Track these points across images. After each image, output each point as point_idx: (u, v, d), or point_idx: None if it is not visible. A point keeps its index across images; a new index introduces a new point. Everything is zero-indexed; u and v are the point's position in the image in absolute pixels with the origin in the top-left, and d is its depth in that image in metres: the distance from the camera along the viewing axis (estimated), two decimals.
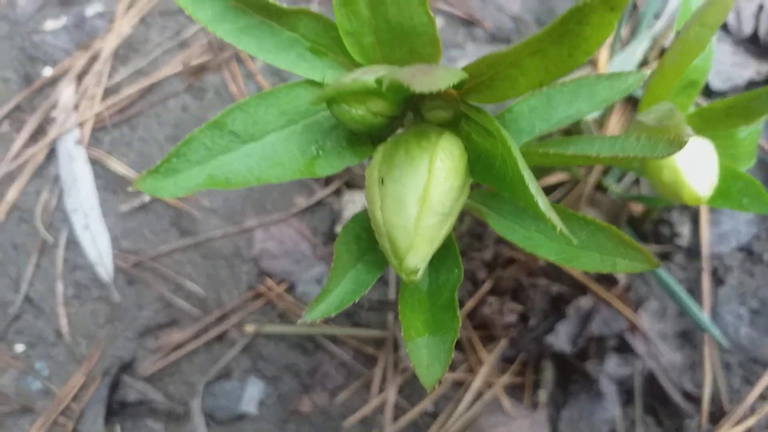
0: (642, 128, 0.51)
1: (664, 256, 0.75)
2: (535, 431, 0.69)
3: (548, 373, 0.71)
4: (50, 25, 0.87)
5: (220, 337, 0.75)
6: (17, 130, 0.83)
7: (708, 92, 0.79)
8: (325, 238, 0.78)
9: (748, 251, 0.74)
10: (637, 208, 0.75)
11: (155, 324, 0.76)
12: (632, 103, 0.80)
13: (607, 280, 0.72)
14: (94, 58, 0.84)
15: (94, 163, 0.81)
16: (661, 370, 0.70)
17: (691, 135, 0.44)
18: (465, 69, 0.34)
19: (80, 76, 0.84)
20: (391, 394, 0.71)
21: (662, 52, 0.80)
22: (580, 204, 0.75)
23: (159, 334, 0.76)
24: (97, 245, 0.78)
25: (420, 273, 0.36)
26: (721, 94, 0.80)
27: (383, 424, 0.70)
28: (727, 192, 0.53)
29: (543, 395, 0.71)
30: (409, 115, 0.41)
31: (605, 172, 0.75)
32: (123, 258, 0.78)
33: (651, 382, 0.70)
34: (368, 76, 0.35)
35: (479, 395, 0.71)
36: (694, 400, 0.70)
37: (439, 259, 0.40)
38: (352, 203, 0.78)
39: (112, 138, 0.82)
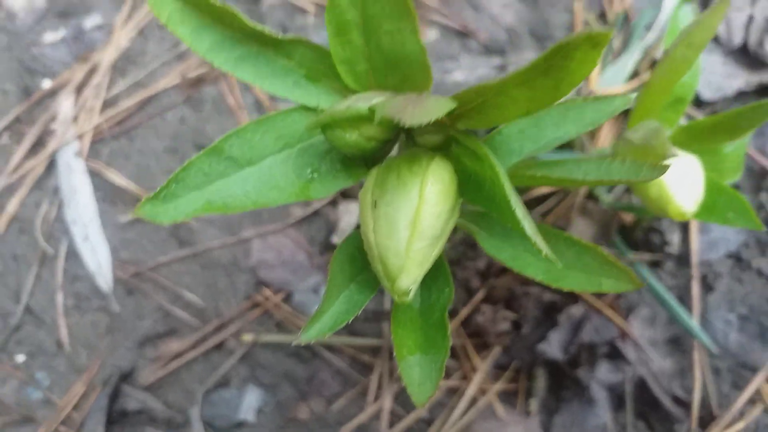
0: (629, 145, 0.52)
1: (655, 264, 0.76)
2: None
3: (541, 380, 0.73)
4: (49, 37, 0.88)
5: (219, 347, 0.76)
6: (17, 142, 0.84)
7: (698, 102, 0.80)
8: (322, 248, 0.79)
9: (737, 258, 0.76)
10: (628, 216, 0.76)
11: (154, 334, 0.77)
12: (625, 112, 0.81)
13: None
14: (92, 71, 0.85)
15: (93, 174, 0.82)
16: (652, 376, 0.72)
17: (676, 155, 0.45)
18: (455, 97, 0.35)
19: (79, 89, 0.85)
20: (387, 402, 0.73)
21: (653, 63, 0.81)
22: (572, 213, 0.76)
23: (158, 343, 0.77)
24: (97, 256, 0.79)
25: (411, 294, 0.37)
26: (711, 104, 0.81)
27: (379, 430, 0.72)
28: (712, 206, 0.54)
29: (535, 402, 0.72)
30: (402, 138, 0.42)
31: None
32: (122, 268, 0.79)
33: (641, 388, 0.72)
34: (361, 103, 0.37)
35: (473, 402, 0.73)
36: (684, 405, 0.71)
37: (431, 278, 0.41)
38: (348, 213, 0.79)
39: (110, 150, 0.83)
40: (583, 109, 0.42)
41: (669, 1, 0.82)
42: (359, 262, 0.41)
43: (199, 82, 0.84)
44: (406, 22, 0.36)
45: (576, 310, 0.72)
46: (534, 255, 0.40)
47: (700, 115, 0.80)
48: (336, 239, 0.77)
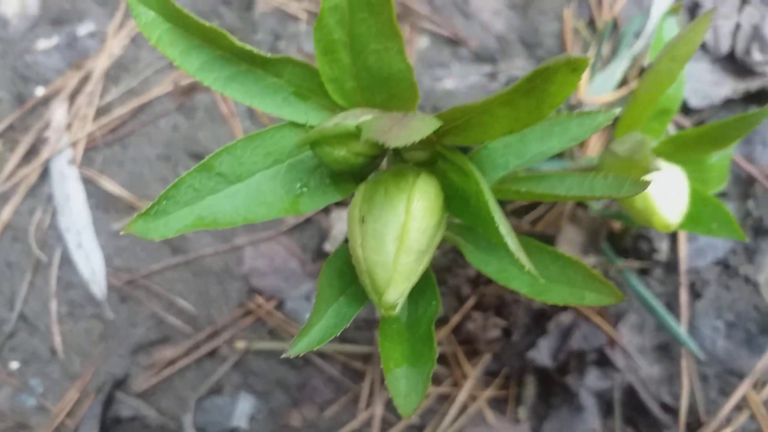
0: (614, 157, 0.53)
1: (643, 271, 0.77)
2: None
3: (530, 387, 0.74)
4: (42, 44, 0.88)
5: (212, 354, 0.77)
6: (10, 150, 0.84)
7: (686, 110, 0.81)
8: (314, 255, 0.80)
9: (724, 265, 0.77)
10: (617, 224, 0.77)
11: (148, 341, 0.78)
12: (614, 120, 0.82)
13: None
14: (86, 78, 0.86)
15: (87, 182, 0.82)
16: (640, 383, 0.73)
17: (659, 168, 0.46)
18: (440, 116, 0.36)
19: (72, 96, 0.85)
20: (379, 408, 0.73)
21: (642, 71, 0.82)
22: (562, 221, 0.77)
23: (151, 350, 0.78)
24: (91, 263, 0.80)
25: (398, 308, 0.38)
26: (699, 111, 0.82)
27: None
28: (697, 217, 0.55)
29: (525, 408, 0.73)
30: (390, 153, 0.43)
31: None
32: (116, 276, 0.79)
33: (630, 394, 0.73)
34: (349, 120, 0.37)
35: (464, 408, 0.73)
36: (672, 411, 0.72)
37: (418, 291, 0.42)
38: (341, 221, 0.79)
39: (104, 157, 0.83)
40: (568, 124, 0.43)
41: (657, 10, 0.83)
42: (348, 275, 0.42)
43: (191, 89, 0.84)
44: (392, 42, 0.36)
45: (565, 318, 0.73)
46: (519, 268, 0.41)
47: (687, 123, 0.81)
48: (328, 247, 0.78)
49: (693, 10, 0.87)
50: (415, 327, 0.41)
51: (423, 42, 0.86)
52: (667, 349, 0.75)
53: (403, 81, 0.39)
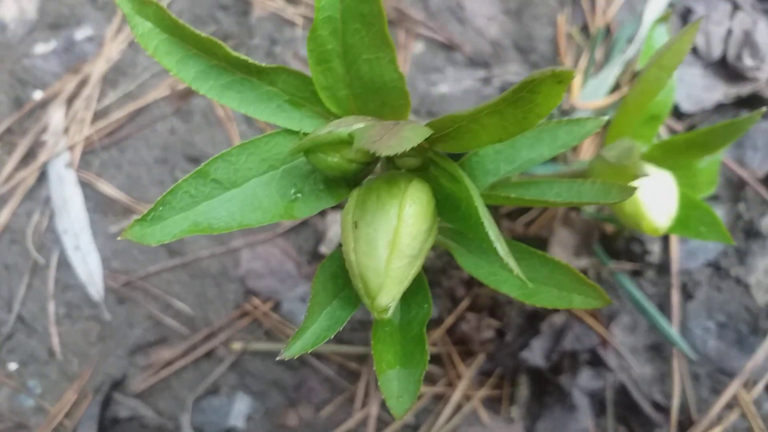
0: (604, 163, 0.54)
1: (636, 273, 0.78)
2: None
3: (524, 387, 0.75)
4: (40, 48, 0.89)
5: (209, 355, 0.78)
6: (8, 153, 0.85)
7: (678, 114, 0.82)
8: (310, 257, 0.80)
9: (715, 267, 0.78)
10: (610, 227, 0.78)
11: (145, 342, 0.79)
12: (606, 124, 0.83)
13: None
14: (83, 82, 0.86)
15: (84, 185, 0.83)
16: (632, 383, 0.74)
17: (648, 174, 0.47)
18: (430, 124, 0.37)
19: (70, 100, 0.86)
20: (374, 408, 0.74)
21: (634, 76, 0.83)
22: (555, 223, 0.78)
23: (149, 351, 0.78)
24: (88, 265, 0.80)
25: (391, 311, 0.39)
26: (691, 116, 0.83)
27: None
28: (686, 221, 0.56)
29: (519, 408, 0.74)
30: (383, 159, 0.44)
31: None
32: (113, 278, 0.80)
33: (622, 393, 0.74)
34: (343, 128, 0.38)
35: (458, 408, 0.74)
36: (664, 410, 0.73)
37: (411, 294, 0.42)
38: (336, 223, 0.80)
39: (101, 161, 0.84)
40: (557, 131, 0.44)
41: (649, 16, 0.84)
42: (342, 279, 0.43)
43: (188, 94, 0.85)
44: (384, 52, 0.37)
45: (558, 319, 0.74)
46: (509, 272, 0.42)
47: (680, 127, 0.82)
48: (324, 249, 0.79)
49: (685, 16, 0.88)
50: (408, 329, 0.41)
51: (418, 47, 0.87)
52: (659, 349, 0.76)
53: (394, 90, 0.40)
